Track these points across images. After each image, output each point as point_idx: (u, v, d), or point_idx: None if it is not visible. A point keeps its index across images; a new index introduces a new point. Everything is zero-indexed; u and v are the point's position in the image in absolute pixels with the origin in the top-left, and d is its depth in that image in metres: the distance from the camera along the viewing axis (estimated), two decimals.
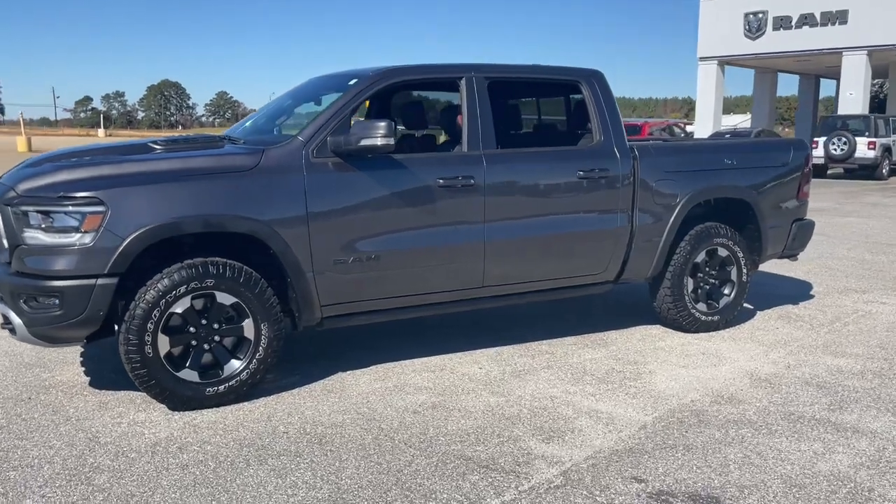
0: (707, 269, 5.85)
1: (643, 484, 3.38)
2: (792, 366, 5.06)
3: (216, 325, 4.24)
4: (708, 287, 5.89)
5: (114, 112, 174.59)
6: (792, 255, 6.43)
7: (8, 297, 4.00)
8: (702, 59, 32.15)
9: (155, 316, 4.00)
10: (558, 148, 5.62)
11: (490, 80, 5.08)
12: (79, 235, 3.88)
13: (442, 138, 6.11)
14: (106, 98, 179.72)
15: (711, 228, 5.74)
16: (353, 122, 4.67)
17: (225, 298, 4.19)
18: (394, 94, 5.76)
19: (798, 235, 6.26)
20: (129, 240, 3.91)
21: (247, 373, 4.28)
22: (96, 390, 4.51)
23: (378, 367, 4.95)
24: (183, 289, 4.05)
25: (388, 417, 4.11)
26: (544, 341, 5.57)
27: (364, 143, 4.33)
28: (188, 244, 4.27)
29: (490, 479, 3.40)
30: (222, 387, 4.23)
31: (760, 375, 4.86)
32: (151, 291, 3.99)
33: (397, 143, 4.60)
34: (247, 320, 4.27)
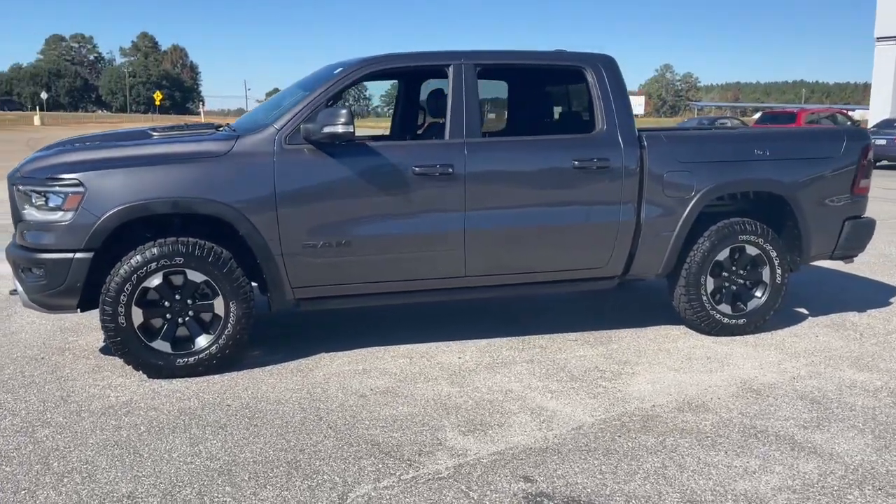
0: (733, 268, 5.41)
1: (529, 484, 3.26)
2: (800, 377, 4.59)
3: (189, 301, 4.53)
4: (735, 288, 5.45)
5: None
6: (846, 258, 5.79)
7: (13, 267, 4.52)
8: (879, 39, 29.20)
9: (127, 289, 4.35)
10: (552, 136, 5.42)
11: (481, 68, 5.01)
12: (61, 213, 4.30)
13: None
14: None
15: (736, 224, 5.31)
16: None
17: (195, 276, 4.47)
18: (378, 81, 5.80)
19: (852, 235, 5.63)
20: (102, 218, 4.27)
21: (216, 347, 4.55)
22: (101, 355, 4.96)
23: (361, 350, 5.05)
24: (154, 265, 4.37)
25: (333, 399, 4.21)
26: (547, 335, 5.42)
27: (326, 130, 4.44)
28: (178, 224, 4.59)
29: (381, 465, 3.42)
30: (192, 359, 4.51)
31: (754, 385, 4.46)
32: (125, 266, 4.34)
33: (425, 130, 4.65)
34: (217, 298, 4.53)
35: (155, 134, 4.95)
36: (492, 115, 6.16)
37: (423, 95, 6.14)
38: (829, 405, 4.16)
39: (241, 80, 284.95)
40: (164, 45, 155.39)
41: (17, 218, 4.48)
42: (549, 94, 6.30)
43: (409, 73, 5.70)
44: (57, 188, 4.31)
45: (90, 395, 4.25)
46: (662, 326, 5.65)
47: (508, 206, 4.91)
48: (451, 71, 4.91)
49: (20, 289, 4.52)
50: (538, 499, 3.13)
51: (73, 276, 4.32)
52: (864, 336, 5.47)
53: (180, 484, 3.22)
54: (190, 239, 4.44)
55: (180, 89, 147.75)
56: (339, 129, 4.41)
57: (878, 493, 3.19)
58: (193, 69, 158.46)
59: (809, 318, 5.95)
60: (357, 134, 4.67)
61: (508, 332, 5.47)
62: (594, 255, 5.15)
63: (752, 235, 5.33)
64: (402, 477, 3.31)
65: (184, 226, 4.59)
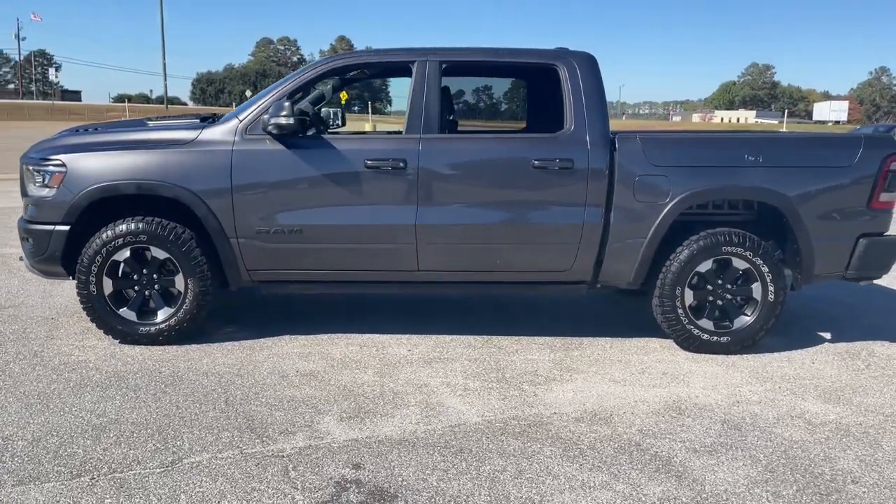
0: (719, 282, 5.04)
1: (354, 471, 3.30)
2: (744, 402, 4.22)
3: (154, 276, 4.95)
4: (720, 303, 5.07)
5: None
6: (862, 279, 5.17)
7: (20, 236, 5.16)
8: None
9: (98, 260, 4.83)
10: (513, 135, 5.31)
11: (447, 65, 5.03)
12: (47, 190, 4.87)
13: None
14: None
15: (720, 235, 4.93)
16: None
17: (158, 253, 4.88)
18: (346, 77, 5.87)
19: (868, 254, 5.03)
20: (77, 196, 4.79)
21: (175, 320, 4.93)
22: None
23: (323, 336, 5.24)
24: (121, 240, 4.82)
25: (254, 377, 4.44)
26: (514, 337, 5.33)
27: (272, 121, 4.68)
28: (160, 204, 5.02)
29: (236, 438, 3.59)
30: (153, 328, 4.93)
31: (683, 405, 4.16)
32: (97, 240, 4.83)
33: None
34: (178, 275, 4.92)
35: (150, 123, 5.43)
36: (457, 113, 6.10)
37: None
38: (747, 433, 3.80)
39: None
40: (360, 47, 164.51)
41: (23, 193, 5.11)
42: (520, 91, 6.14)
43: (377, 69, 5.79)
44: (47, 168, 4.88)
45: (59, 353, 4.77)
46: (647, 339, 5.36)
47: (463, 203, 4.90)
48: (415, 68, 4.97)
49: (24, 255, 5.16)
50: (347, 485, 3.17)
51: (52, 246, 4.86)
52: (870, 368, 4.88)
53: (52, 434, 3.58)
54: (153, 218, 4.85)
55: (369, 89, 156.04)
56: (282, 120, 4.64)
57: None
58: None
59: (825, 343, 5.39)
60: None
61: (480, 331, 5.44)
62: (556, 258, 4.99)
63: (739, 248, 4.93)
64: (244, 451, 3.47)
65: (165, 207, 5.00)
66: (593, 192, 4.88)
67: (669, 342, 5.25)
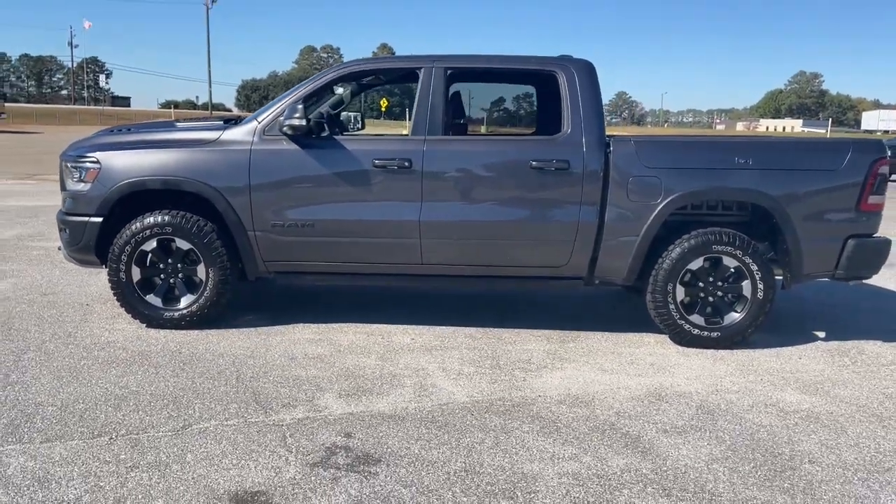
0: (710, 279, 5.25)
1: (344, 439, 3.63)
2: (723, 391, 4.45)
3: (179, 265, 5.35)
4: (712, 300, 5.29)
5: None
6: (852, 279, 5.34)
7: (58, 227, 5.62)
8: None
9: (128, 250, 5.25)
10: (512, 137, 5.59)
11: (452, 71, 5.35)
12: (83, 185, 5.31)
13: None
14: None
15: (710, 234, 5.16)
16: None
17: (182, 244, 5.28)
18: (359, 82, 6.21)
19: (857, 255, 5.20)
20: (110, 190, 5.22)
21: (196, 306, 5.33)
22: None
23: (335, 324, 5.59)
24: (148, 232, 5.24)
25: (265, 358, 4.79)
26: (514, 329, 5.61)
27: (286, 122, 5.05)
28: (185, 199, 5.43)
29: (242, 409, 3.95)
30: (176, 314, 5.33)
31: (664, 392, 4.41)
32: (127, 232, 5.25)
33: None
34: (200, 265, 5.31)
35: (178, 124, 5.85)
36: (465, 116, 6.39)
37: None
38: (718, 418, 4.03)
39: None
40: (400, 54, 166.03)
41: (62, 187, 5.56)
42: (523, 96, 6.42)
43: (385, 75, 6.14)
44: (84, 164, 5.32)
45: (91, 334, 5.20)
46: (644, 333, 5.59)
47: (464, 201, 5.20)
48: (421, 73, 5.30)
49: (61, 245, 5.61)
50: (336, 450, 3.50)
51: (87, 236, 5.30)
52: (855, 364, 5.05)
53: (79, 401, 3.98)
54: (178, 212, 5.25)
55: (409, 97, 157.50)
56: (295, 121, 5.01)
57: (656, 492, 3.18)
58: None
59: (818, 341, 5.56)
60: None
61: (483, 323, 5.73)
62: (552, 254, 5.27)
63: (729, 246, 5.14)
64: (248, 420, 3.82)
65: (189, 201, 5.40)
66: (588, 191, 5.14)
67: (664, 337, 5.47)
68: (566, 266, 5.30)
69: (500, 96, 6.69)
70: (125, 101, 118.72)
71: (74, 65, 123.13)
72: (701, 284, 5.27)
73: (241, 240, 5.27)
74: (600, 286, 5.59)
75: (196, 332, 5.30)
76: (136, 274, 5.32)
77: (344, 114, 6.94)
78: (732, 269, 5.22)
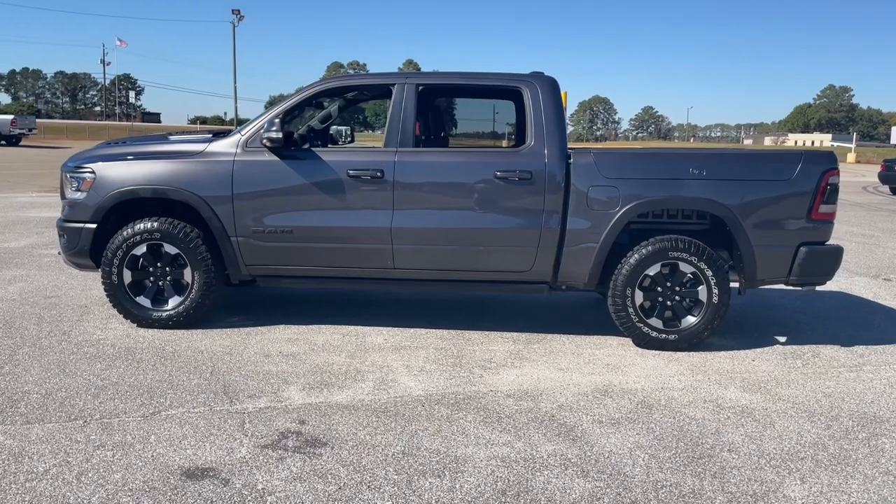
0: (667, 284, 5.50)
1: (298, 425, 3.94)
2: (668, 388, 4.69)
3: (167, 269, 5.73)
4: (669, 304, 5.53)
5: None
6: (805, 285, 5.55)
7: (57, 233, 6.03)
8: None
9: (119, 254, 5.63)
10: (478, 149, 5.89)
11: (423, 87, 5.69)
12: (80, 194, 5.71)
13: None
14: None
15: (666, 241, 5.41)
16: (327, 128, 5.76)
17: (170, 249, 5.65)
18: (337, 98, 6.56)
19: (809, 262, 5.42)
20: (103, 198, 5.61)
21: (183, 307, 5.69)
22: None
23: (314, 326, 5.91)
24: (138, 237, 5.62)
25: (241, 355, 5.13)
26: (485, 332, 5.89)
27: (265, 135, 5.41)
28: (174, 207, 5.80)
29: (210, 398, 4.28)
30: (164, 314, 5.70)
31: (611, 389, 4.66)
32: (119, 237, 5.64)
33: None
34: (187, 268, 5.68)
35: (170, 137, 6.25)
36: (443, 130, 6.71)
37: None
38: (655, 412, 4.28)
39: None
40: (426, 70, 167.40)
41: (62, 196, 5.97)
42: (490, 111, 6.73)
43: (362, 91, 6.48)
44: (81, 174, 5.73)
45: (84, 332, 5.58)
46: (610, 337, 5.84)
47: (433, 209, 5.52)
48: (394, 90, 5.64)
49: (60, 250, 6.02)
50: (288, 435, 3.81)
51: (82, 241, 5.69)
52: (806, 366, 5.26)
53: (61, 390, 4.34)
54: (166, 218, 5.63)
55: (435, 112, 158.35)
56: (273, 134, 5.37)
57: (575, 474, 3.44)
58: None
59: (777, 345, 5.77)
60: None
61: (456, 326, 6.02)
62: (517, 260, 5.55)
63: (684, 253, 5.39)
64: (213, 408, 4.15)
65: (178, 209, 5.78)
66: (551, 200, 5.43)
67: (627, 340, 5.72)
68: (531, 271, 5.58)
69: (474, 111, 7.02)
70: (156, 117, 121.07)
71: (107, 82, 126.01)
72: (659, 289, 5.52)
73: (225, 245, 5.62)
74: (569, 291, 5.85)
75: (182, 331, 5.66)
76: (127, 276, 5.69)
77: (334, 128, 7.31)
78: (689, 275, 5.46)
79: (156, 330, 5.66)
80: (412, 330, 5.89)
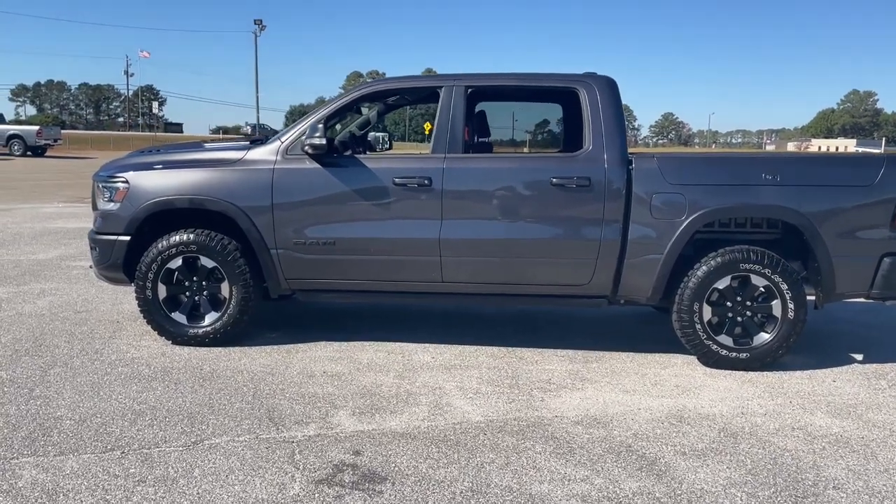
0: (738, 298, 5.11)
1: (353, 456, 3.60)
2: (749, 414, 4.31)
3: (203, 283, 5.43)
4: (740, 319, 5.14)
5: None
6: (890, 298, 5.13)
7: (89, 245, 5.75)
8: None
9: (154, 268, 5.34)
10: (533, 154, 5.54)
11: (472, 89, 5.36)
12: (113, 205, 5.43)
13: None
14: None
15: (737, 252, 5.02)
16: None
17: (207, 262, 5.35)
18: (383, 101, 6.23)
19: (893, 273, 5.01)
20: (137, 209, 5.33)
21: (220, 323, 5.38)
22: None
23: (356, 342, 5.59)
24: (174, 250, 5.32)
25: (284, 375, 4.81)
26: (537, 349, 5.53)
27: (307, 142, 5.11)
28: (211, 218, 5.50)
29: (254, 425, 3.96)
30: (200, 331, 5.39)
31: (686, 414, 4.28)
32: (153, 250, 5.35)
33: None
34: (224, 282, 5.38)
35: (206, 145, 5.96)
36: (489, 134, 6.36)
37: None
38: (741, 441, 3.90)
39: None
40: None
41: (94, 206, 5.70)
42: (544, 114, 6.37)
43: (408, 95, 6.15)
44: (114, 184, 5.45)
45: (117, 351, 5.29)
46: (671, 354, 5.46)
47: (484, 218, 5.18)
48: (442, 92, 5.32)
49: (92, 263, 5.74)
50: (344, 468, 3.47)
51: (115, 255, 5.41)
52: (893, 387, 4.85)
53: (96, 416, 4.04)
54: (203, 230, 5.33)
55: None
56: (315, 141, 5.06)
57: None
58: None
59: (854, 364, 5.35)
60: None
61: (505, 342, 5.66)
62: (574, 273, 5.19)
63: (757, 265, 5.00)
64: (260, 436, 3.83)
65: (214, 220, 5.48)
66: (611, 209, 5.07)
67: (692, 358, 5.34)
68: (589, 285, 5.22)
69: (525, 114, 6.67)
70: (178, 128, 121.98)
71: (130, 93, 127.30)
72: (729, 304, 5.13)
73: (264, 258, 5.32)
74: (627, 305, 5.48)
75: (219, 349, 5.35)
76: (161, 291, 5.40)
77: (371, 134, 7.01)
78: (762, 289, 5.07)
79: (192, 347, 5.37)
80: (460, 347, 5.54)
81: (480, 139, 6.25)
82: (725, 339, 5.13)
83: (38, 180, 22.31)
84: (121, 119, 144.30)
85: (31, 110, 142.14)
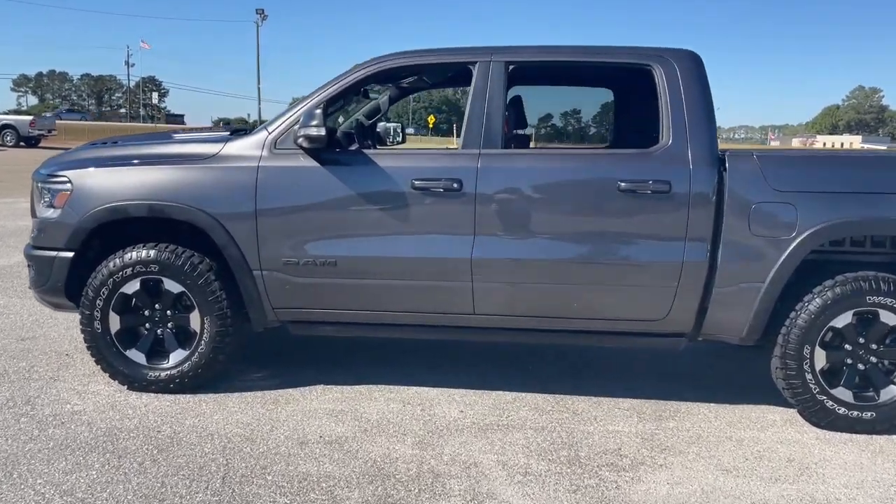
0: (861, 340, 3.92)
1: None
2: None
3: (168, 313, 4.24)
4: (863, 368, 3.95)
5: None
6: None
7: (26, 262, 4.56)
8: None
9: (104, 293, 4.15)
10: (593, 151, 4.36)
11: (515, 67, 4.16)
12: (51, 211, 4.24)
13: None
14: None
15: (864, 280, 3.83)
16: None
17: (172, 286, 4.16)
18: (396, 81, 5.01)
19: None
20: (82, 218, 4.13)
21: (188, 364, 4.20)
22: None
23: (361, 387, 4.41)
24: (129, 271, 4.13)
25: (268, 443, 3.63)
26: (594, 398, 4.35)
27: (301, 132, 3.91)
28: (180, 230, 4.33)
29: None
30: (163, 374, 4.21)
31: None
32: (104, 270, 4.16)
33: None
34: (193, 312, 4.19)
35: (176, 135, 4.76)
36: (526, 125, 5.14)
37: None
38: None
39: None
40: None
41: (32, 213, 4.51)
42: (604, 98, 5.16)
43: (429, 74, 4.93)
44: (53, 185, 4.26)
45: (55, 400, 4.10)
46: (763, 406, 4.28)
47: (530, 234, 3.99)
48: (475, 70, 4.11)
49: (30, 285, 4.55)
50: None
51: (55, 275, 4.22)
52: None
53: None
54: (166, 245, 4.15)
55: (457, 114, 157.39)
56: (313, 131, 3.86)
57: None
58: None
59: None
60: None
61: (550, 387, 4.48)
62: (647, 304, 4.00)
63: (889, 297, 3.80)
64: None
65: (185, 233, 4.30)
66: (696, 222, 3.87)
67: (791, 413, 4.16)
68: (665, 319, 4.02)
69: (573, 99, 5.43)
70: (180, 119, 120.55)
71: (132, 83, 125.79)
72: (848, 347, 3.93)
73: (245, 281, 4.13)
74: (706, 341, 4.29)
75: (188, 397, 4.18)
76: (114, 323, 4.22)
77: (381, 124, 5.81)
78: (891, 328, 3.87)
79: (152, 396, 4.19)
80: (493, 394, 4.36)
81: (516, 131, 5.05)
82: (843, 394, 3.93)
83: (25, 172, 21.12)
84: (123, 110, 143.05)
85: (32, 100, 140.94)
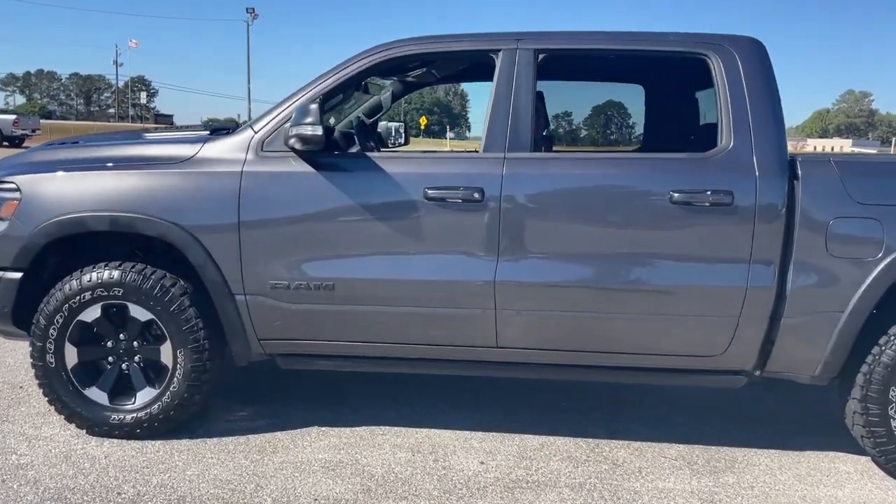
0: None
1: None
2: None
3: (135, 344, 3.59)
4: None
5: None
6: None
7: None
8: None
9: (59, 321, 3.51)
10: (640, 155, 3.74)
11: (546, 56, 3.53)
12: None
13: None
14: None
15: None
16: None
17: (139, 313, 3.51)
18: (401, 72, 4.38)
19: None
20: (32, 232, 3.48)
21: (158, 406, 3.55)
22: None
23: (362, 429, 3.78)
24: (88, 294, 3.48)
25: (245, 503, 2.99)
26: (635, 443, 3.73)
27: (293, 131, 3.27)
28: (150, 246, 3.69)
29: None
30: (129, 416, 3.56)
31: None
32: (58, 294, 3.51)
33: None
34: (165, 343, 3.54)
35: (148, 135, 4.12)
36: (548, 126, 4.53)
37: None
38: None
39: None
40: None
41: None
42: (651, 95, 4.54)
43: (441, 65, 4.29)
44: (0, 193, 3.61)
45: (2, 446, 3.45)
46: (832, 454, 3.67)
47: (564, 253, 3.36)
48: (499, 60, 3.48)
49: None
50: None
51: (1, 300, 3.56)
52: None
53: None
54: (133, 265, 3.50)
55: (449, 115, 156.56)
56: (306, 130, 3.23)
57: None
58: (463, 97, 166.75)
59: None
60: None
61: (583, 430, 3.85)
62: (702, 336, 3.39)
63: None
64: None
65: (156, 250, 3.66)
66: (763, 240, 3.26)
67: (865, 461, 3.55)
68: (723, 355, 3.41)
69: (596, 95, 4.78)
70: (168, 119, 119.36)
71: (121, 83, 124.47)
72: None
73: (226, 307, 3.49)
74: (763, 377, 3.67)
75: (158, 444, 3.53)
76: (71, 356, 3.57)
77: (382, 123, 5.18)
78: None
79: (115, 442, 3.54)
80: (517, 438, 3.73)
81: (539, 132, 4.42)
82: None
83: None
84: (112, 110, 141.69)
85: (20, 100, 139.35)
